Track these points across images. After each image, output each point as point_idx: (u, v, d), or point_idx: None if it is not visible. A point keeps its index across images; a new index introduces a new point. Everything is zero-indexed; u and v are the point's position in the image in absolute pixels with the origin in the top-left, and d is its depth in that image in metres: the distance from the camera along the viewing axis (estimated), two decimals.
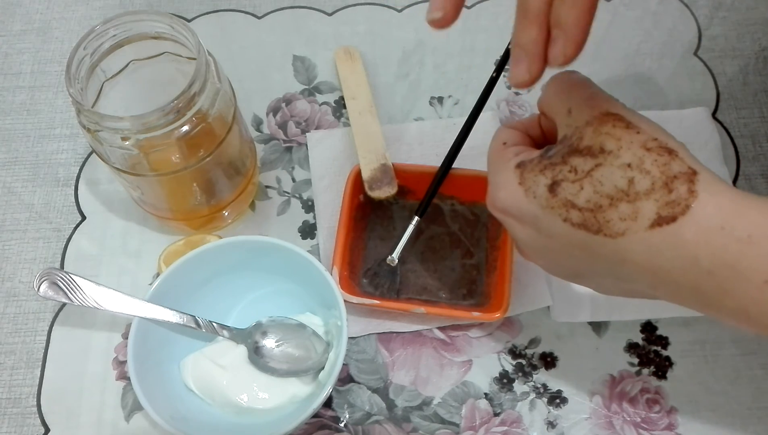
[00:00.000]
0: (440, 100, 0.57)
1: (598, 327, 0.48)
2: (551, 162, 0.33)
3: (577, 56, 0.29)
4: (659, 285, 0.31)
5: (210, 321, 0.44)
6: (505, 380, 0.46)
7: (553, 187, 0.32)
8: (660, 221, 0.29)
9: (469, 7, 0.62)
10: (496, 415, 0.45)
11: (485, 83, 0.42)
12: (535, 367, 0.47)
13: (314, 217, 0.52)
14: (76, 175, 0.55)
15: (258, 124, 0.56)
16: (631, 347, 0.47)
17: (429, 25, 0.32)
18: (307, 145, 0.55)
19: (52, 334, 0.49)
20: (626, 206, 0.30)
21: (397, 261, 0.45)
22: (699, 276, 0.29)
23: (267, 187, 0.54)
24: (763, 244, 0.28)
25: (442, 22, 0.32)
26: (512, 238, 0.37)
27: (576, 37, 0.29)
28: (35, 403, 0.47)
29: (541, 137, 0.37)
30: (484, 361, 0.47)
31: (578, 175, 0.31)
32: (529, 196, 0.33)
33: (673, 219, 0.29)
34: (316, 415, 0.45)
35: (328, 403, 0.46)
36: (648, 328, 0.48)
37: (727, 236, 0.28)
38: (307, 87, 0.58)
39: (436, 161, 0.47)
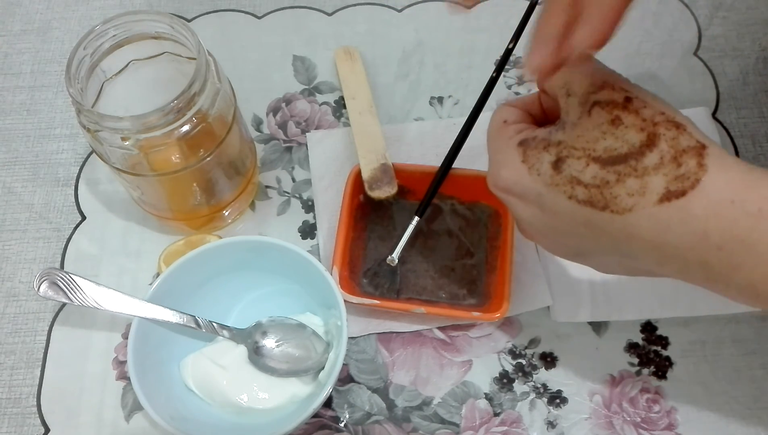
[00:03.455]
0: (440, 100, 0.57)
1: (598, 327, 0.48)
2: (555, 138, 0.32)
3: (604, 43, 0.28)
4: (666, 261, 0.30)
5: (210, 321, 0.44)
6: (505, 380, 0.46)
7: (557, 164, 0.32)
8: (669, 196, 0.29)
9: (468, 7, 0.61)
10: (496, 415, 0.45)
11: (485, 83, 0.42)
12: (535, 367, 0.47)
13: (314, 217, 0.52)
14: (76, 175, 0.55)
15: (258, 124, 0.56)
16: (631, 347, 0.47)
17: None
18: (307, 145, 0.55)
19: (52, 334, 0.49)
20: (634, 181, 0.29)
21: (397, 261, 0.45)
22: (708, 251, 0.29)
23: (267, 187, 0.54)
24: None
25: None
26: (514, 217, 0.37)
27: (608, 22, 0.28)
28: (35, 403, 0.47)
29: (542, 115, 0.37)
30: (484, 361, 0.47)
31: (583, 151, 0.31)
32: (532, 174, 0.32)
33: (682, 193, 0.29)
34: (316, 415, 0.45)
35: (328, 403, 0.46)
36: (648, 328, 0.48)
37: (737, 210, 0.28)
38: (307, 87, 0.58)
39: (436, 161, 0.47)
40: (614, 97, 0.31)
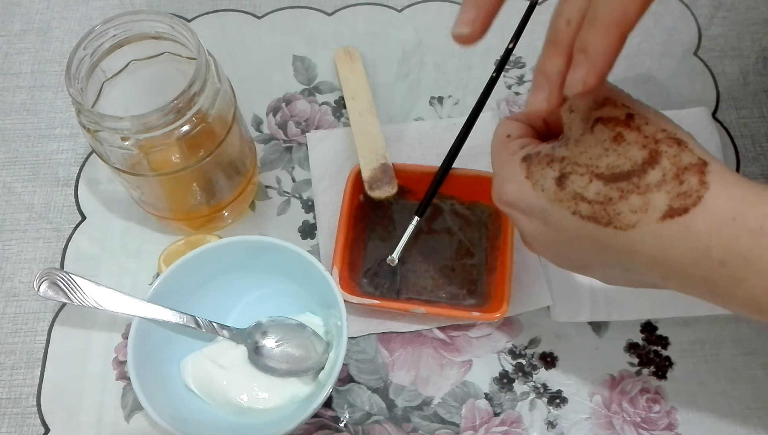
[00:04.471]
0: (440, 100, 0.57)
1: (598, 327, 0.48)
2: (558, 154, 0.32)
3: (597, 87, 0.29)
4: (670, 276, 0.31)
5: (210, 321, 0.44)
6: (505, 380, 0.46)
7: (561, 180, 0.32)
8: (671, 213, 0.29)
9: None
10: (496, 415, 0.45)
11: (485, 83, 0.42)
12: (535, 367, 0.47)
13: (314, 217, 0.52)
14: (76, 175, 0.55)
15: (258, 124, 0.56)
16: (631, 347, 0.47)
17: (454, 39, 0.31)
18: (307, 145, 0.55)
19: (52, 334, 0.49)
20: (637, 198, 0.30)
21: (397, 261, 0.45)
22: (710, 267, 0.29)
23: (267, 187, 0.54)
24: None
25: (468, 39, 0.31)
26: (519, 231, 0.37)
27: (600, 68, 0.28)
28: (35, 403, 0.47)
29: (545, 129, 0.37)
30: (484, 361, 0.47)
31: (587, 167, 0.31)
32: (536, 190, 0.33)
33: (684, 210, 0.29)
34: (316, 415, 0.45)
35: (328, 403, 0.46)
36: (648, 328, 0.48)
37: (739, 227, 0.28)
38: (307, 87, 0.58)
39: (436, 161, 0.47)
40: (616, 113, 0.31)
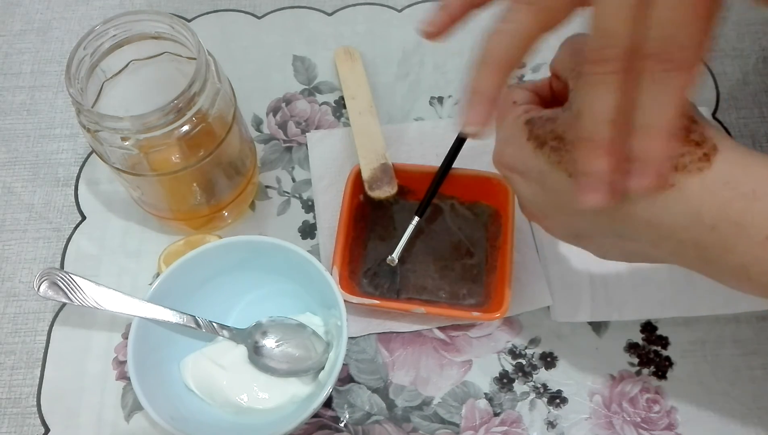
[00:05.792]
0: (440, 100, 0.57)
1: (598, 327, 0.48)
2: (560, 119, 0.33)
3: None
4: (661, 242, 0.31)
5: (210, 321, 0.44)
6: (505, 380, 0.46)
7: (560, 143, 0.32)
8: None
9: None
10: (496, 415, 0.45)
11: None
12: (535, 367, 0.47)
13: (314, 217, 0.52)
14: (76, 175, 0.55)
15: (258, 124, 0.56)
16: (631, 347, 0.47)
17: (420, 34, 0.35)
18: (307, 145, 0.55)
19: (52, 334, 0.49)
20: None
21: (397, 261, 0.45)
22: (702, 231, 0.29)
23: (267, 187, 0.54)
24: (766, 199, 0.28)
25: (429, 36, 0.36)
26: (516, 195, 0.37)
27: (662, 171, 0.28)
28: (35, 403, 0.47)
29: (551, 99, 0.37)
30: (484, 361, 0.47)
31: None
32: (536, 152, 0.33)
33: None
34: (316, 415, 0.45)
35: (328, 403, 0.46)
36: (648, 328, 0.48)
37: (731, 191, 0.28)
38: (307, 87, 0.58)
39: (436, 161, 0.47)
40: None
